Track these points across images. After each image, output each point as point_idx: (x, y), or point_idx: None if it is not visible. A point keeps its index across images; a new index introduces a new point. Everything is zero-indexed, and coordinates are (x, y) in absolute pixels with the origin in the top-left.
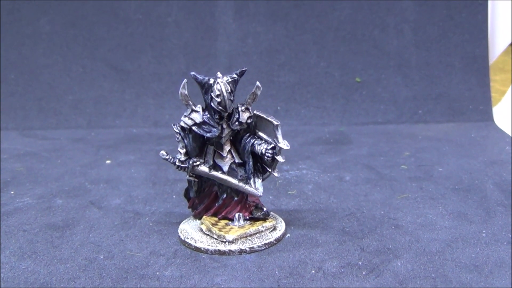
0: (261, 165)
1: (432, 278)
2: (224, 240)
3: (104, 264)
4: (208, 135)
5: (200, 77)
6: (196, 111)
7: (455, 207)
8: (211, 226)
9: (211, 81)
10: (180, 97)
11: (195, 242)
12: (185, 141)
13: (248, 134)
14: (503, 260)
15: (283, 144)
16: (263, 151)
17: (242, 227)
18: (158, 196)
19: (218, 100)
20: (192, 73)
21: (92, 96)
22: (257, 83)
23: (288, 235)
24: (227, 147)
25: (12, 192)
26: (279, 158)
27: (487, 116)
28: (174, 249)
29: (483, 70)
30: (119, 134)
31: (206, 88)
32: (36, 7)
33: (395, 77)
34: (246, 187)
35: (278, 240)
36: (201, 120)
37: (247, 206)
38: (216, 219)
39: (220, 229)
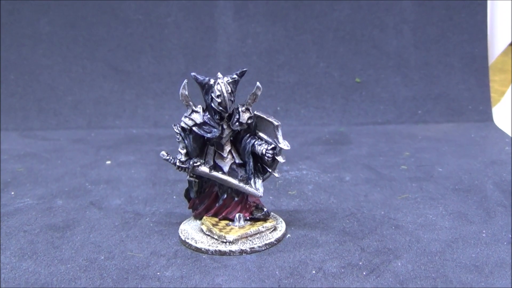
0: (261, 166)
1: (432, 278)
2: (225, 241)
3: (104, 265)
4: (209, 135)
5: (200, 77)
6: (196, 112)
7: (455, 207)
8: (211, 227)
9: (212, 81)
10: (180, 98)
11: (196, 243)
12: (186, 141)
13: (248, 135)
14: (503, 260)
15: (284, 144)
16: (264, 152)
17: (243, 227)
18: (158, 197)
19: (219, 100)
20: (193, 73)
21: (92, 97)
22: (257, 83)
23: (288, 235)
24: (227, 148)
25: (13, 193)
26: (280, 159)
27: (487, 116)
28: (174, 249)
29: (483, 70)
30: (119, 135)
31: (206, 89)
32: (36, 8)
33: (395, 77)
34: (247, 187)
35: (278, 240)
36: (201, 121)
37: (247, 206)
38: (216, 219)
39: (220, 230)
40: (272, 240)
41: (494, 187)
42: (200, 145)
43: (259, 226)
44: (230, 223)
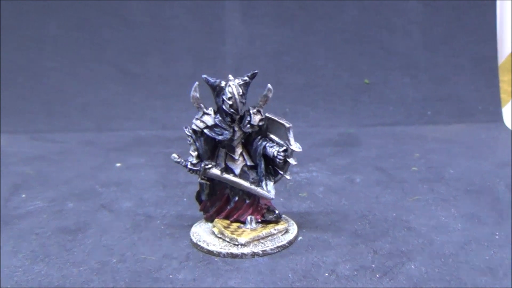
0: (272, 168)
1: (446, 281)
2: (237, 243)
3: (117, 268)
4: (220, 138)
5: (211, 79)
6: (207, 114)
7: (467, 209)
8: (223, 229)
9: (223, 83)
10: (191, 100)
11: (208, 245)
12: (197, 144)
13: (259, 137)
14: None
15: (295, 146)
16: (275, 154)
17: (254, 230)
18: (169, 199)
19: (230, 102)
20: (204, 76)
21: (99, 99)
22: (268, 85)
23: (300, 237)
24: (238, 150)
25: (23, 196)
26: (291, 161)
27: (496, 117)
28: (186, 252)
29: (492, 71)
30: (128, 137)
31: (217, 91)
32: (43, 11)
33: (403, 78)
34: (258, 189)
35: (290, 243)
36: (212, 123)
37: (259, 208)
38: (228, 222)
39: (232, 232)
40: (284, 242)
41: (506, 188)
42: (211, 147)
43: (271, 229)
44: (242, 225)
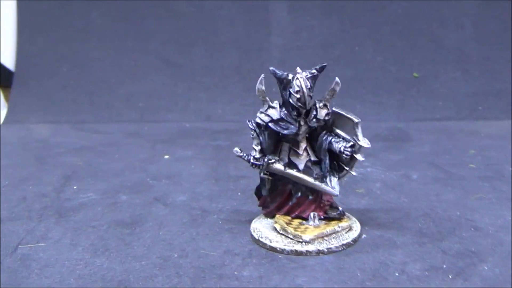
0: (336, 164)
1: None
2: (301, 240)
3: (179, 263)
4: (286, 132)
5: (279, 72)
6: (273, 107)
7: None
8: (285, 225)
9: (290, 76)
10: (257, 93)
11: (270, 242)
12: (260, 138)
13: (324, 132)
14: None
15: (364, 142)
16: (342, 149)
17: (318, 227)
18: (222, 193)
19: (298, 96)
20: (271, 68)
21: (144, 90)
22: (336, 78)
23: (364, 235)
24: (303, 145)
25: (75, 187)
26: (359, 157)
27: None
28: (248, 248)
29: None
30: (172, 129)
31: (284, 84)
32: (88, 1)
33: (454, 72)
34: (322, 185)
35: (355, 241)
36: (278, 117)
37: (321, 205)
38: (289, 218)
39: (295, 229)
40: (349, 240)
41: None
42: (275, 141)
43: (334, 226)
44: (304, 222)
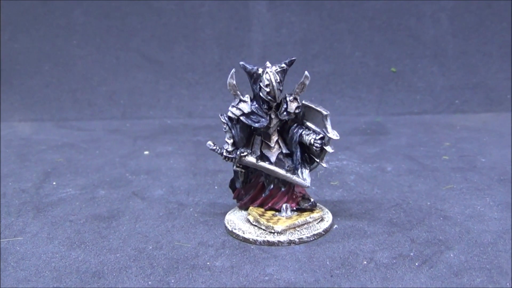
0: (308, 156)
1: (487, 269)
2: (273, 231)
3: (153, 254)
4: (257, 125)
5: (249, 66)
6: (244, 101)
7: (502, 198)
8: (258, 217)
9: (260, 70)
10: (228, 87)
11: (243, 233)
12: (233, 131)
13: (295, 124)
14: None
15: (333, 134)
16: (312, 142)
17: (290, 218)
18: (200, 187)
19: (267, 90)
20: (241, 62)
21: (126, 87)
22: (306, 72)
23: (335, 226)
24: (274, 138)
25: (54, 183)
26: (328, 149)
27: None
28: (222, 239)
29: None
30: (154, 125)
31: (255, 78)
32: None
33: (431, 67)
34: (294, 177)
35: (326, 231)
36: (249, 110)
37: (294, 197)
38: (262, 210)
39: (268, 220)
40: (320, 230)
41: None
42: (247, 135)
43: (306, 217)
44: (277, 213)
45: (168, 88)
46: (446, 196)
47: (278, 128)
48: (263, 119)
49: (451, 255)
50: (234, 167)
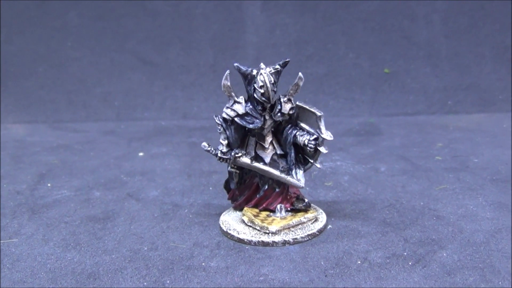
0: (302, 156)
1: (480, 268)
2: (267, 232)
3: (149, 255)
4: (251, 126)
5: (243, 68)
6: (238, 102)
7: (495, 197)
8: (253, 218)
9: (254, 72)
10: (222, 89)
11: (238, 234)
12: (227, 132)
13: (290, 125)
14: None
15: (327, 135)
16: (306, 142)
17: (284, 218)
18: (194, 188)
19: (262, 91)
20: (236, 64)
21: (120, 89)
22: (300, 74)
23: (329, 226)
24: (269, 139)
25: (49, 185)
26: (322, 149)
27: None
28: (217, 240)
29: None
30: (149, 127)
31: (249, 79)
32: (65, 1)
33: (425, 68)
34: (288, 178)
35: (320, 231)
36: (243, 111)
37: (288, 197)
38: (257, 210)
39: (262, 221)
40: (314, 231)
41: None
42: (242, 136)
43: (300, 217)
44: (271, 214)
45: (163, 90)
46: (439, 196)
47: (272, 129)
48: (258, 120)
49: (444, 255)
50: (229, 168)
